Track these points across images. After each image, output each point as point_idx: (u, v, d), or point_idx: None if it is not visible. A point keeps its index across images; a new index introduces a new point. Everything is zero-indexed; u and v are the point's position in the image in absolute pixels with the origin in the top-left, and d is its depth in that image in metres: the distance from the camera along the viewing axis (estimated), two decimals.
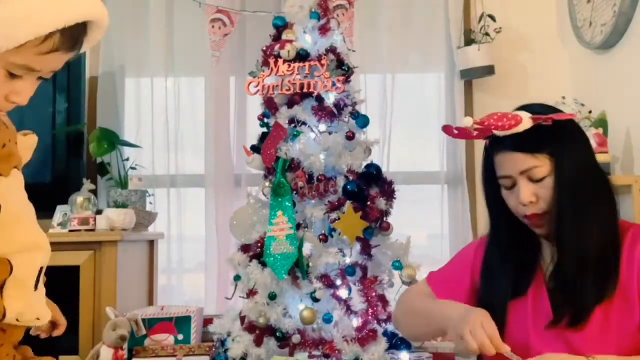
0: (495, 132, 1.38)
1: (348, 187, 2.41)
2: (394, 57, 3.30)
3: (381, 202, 2.45)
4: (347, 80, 2.53)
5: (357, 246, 2.44)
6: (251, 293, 2.42)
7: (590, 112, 2.83)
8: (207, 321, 2.76)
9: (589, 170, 1.40)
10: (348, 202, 2.38)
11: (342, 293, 2.39)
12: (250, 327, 2.40)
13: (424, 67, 3.39)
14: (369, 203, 2.42)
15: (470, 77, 3.21)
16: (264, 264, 2.41)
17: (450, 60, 3.28)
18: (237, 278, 2.50)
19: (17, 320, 1.01)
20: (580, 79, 3.12)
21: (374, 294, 2.39)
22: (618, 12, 2.60)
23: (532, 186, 1.37)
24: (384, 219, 2.47)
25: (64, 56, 1.02)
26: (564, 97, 3.04)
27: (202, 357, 2.71)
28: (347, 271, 2.38)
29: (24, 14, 0.94)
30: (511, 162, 1.39)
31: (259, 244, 2.46)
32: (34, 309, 1.05)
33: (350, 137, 2.47)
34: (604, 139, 2.61)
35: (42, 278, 1.08)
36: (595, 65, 2.96)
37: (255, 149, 2.58)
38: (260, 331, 2.38)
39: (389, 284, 2.48)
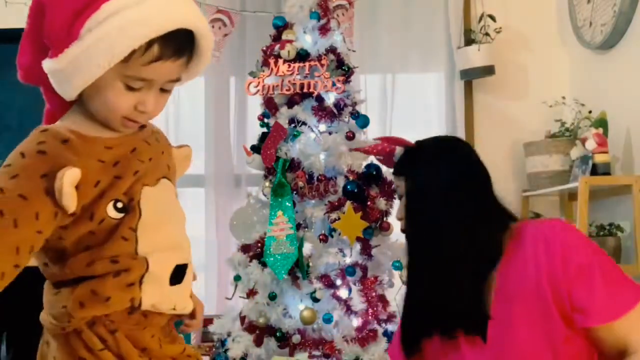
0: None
1: (348, 187, 2.41)
2: (394, 57, 3.30)
3: (381, 202, 2.45)
4: (347, 81, 2.53)
5: (357, 246, 2.44)
6: (251, 293, 2.42)
7: (590, 112, 2.83)
8: (207, 321, 2.76)
9: (435, 187, 1.42)
10: (348, 202, 2.38)
11: (342, 293, 2.39)
12: (251, 327, 2.40)
13: (424, 67, 3.39)
14: (369, 203, 2.43)
15: (470, 77, 3.21)
16: (264, 264, 2.41)
17: (450, 60, 3.28)
18: (237, 278, 2.50)
19: (152, 306, 1.14)
20: (580, 79, 3.12)
21: (374, 294, 2.39)
22: (618, 12, 2.60)
23: (401, 205, 1.51)
24: (384, 219, 2.47)
25: (171, 65, 1.09)
26: (564, 97, 3.04)
27: (202, 357, 2.71)
28: (347, 271, 2.39)
29: (118, 29, 1.03)
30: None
31: (259, 244, 2.47)
32: (170, 300, 1.17)
33: (350, 137, 2.47)
34: (604, 139, 2.61)
35: (190, 274, 1.21)
36: (595, 65, 2.96)
37: (255, 149, 2.58)
38: (261, 331, 2.38)
39: (389, 284, 2.48)
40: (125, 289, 1.11)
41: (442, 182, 1.42)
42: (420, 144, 1.52)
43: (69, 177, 1.04)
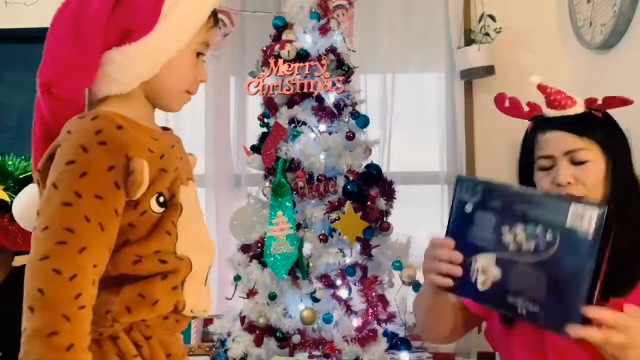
0: (547, 111, 1.41)
1: (348, 187, 2.41)
2: (394, 57, 3.29)
3: (381, 202, 2.45)
4: (347, 81, 2.53)
5: (357, 246, 2.44)
6: (251, 293, 2.42)
7: None
8: (207, 321, 2.76)
9: (633, 171, 1.42)
10: (348, 202, 2.38)
11: (342, 293, 2.39)
12: (251, 327, 2.40)
13: (424, 67, 3.38)
14: (369, 203, 2.43)
15: (471, 77, 3.21)
16: (264, 264, 2.42)
17: (450, 60, 3.28)
18: (237, 278, 2.50)
19: (191, 311, 1.15)
20: (580, 79, 3.11)
21: (374, 294, 2.39)
22: (618, 12, 2.60)
23: (572, 168, 1.38)
24: (384, 219, 2.48)
25: (215, 31, 1.28)
26: None
27: (202, 357, 2.71)
28: (347, 271, 2.39)
29: (194, 6, 1.20)
30: (556, 142, 1.40)
31: (259, 244, 2.47)
32: (204, 303, 1.20)
33: (350, 137, 2.47)
34: None
35: (209, 275, 1.24)
36: (595, 65, 2.95)
37: (255, 149, 2.58)
38: (261, 331, 2.38)
39: (389, 284, 2.48)
40: (171, 293, 1.11)
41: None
42: (605, 116, 1.44)
43: (146, 171, 1.07)
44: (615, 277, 1.27)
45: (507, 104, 1.50)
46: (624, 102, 1.45)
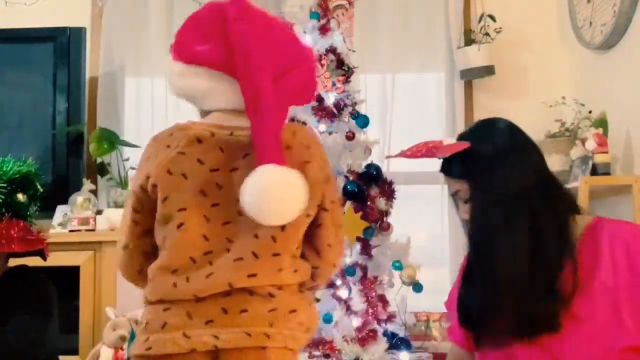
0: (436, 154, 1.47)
1: (348, 187, 2.41)
2: (394, 57, 3.29)
3: (381, 202, 2.45)
4: (347, 81, 2.53)
5: (358, 246, 2.44)
6: None
7: (590, 112, 2.83)
8: None
9: (503, 195, 1.37)
10: (348, 202, 2.38)
11: (342, 293, 2.39)
12: None
13: (424, 67, 3.38)
14: (369, 203, 2.43)
15: (470, 77, 3.21)
16: None
17: (450, 60, 3.28)
18: None
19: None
20: (580, 79, 3.11)
21: (374, 294, 2.39)
22: (618, 12, 2.60)
23: (465, 206, 1.44)
24: (384, 219, 2.47)
25: None
26: (564, 97, 3.04)
27: None
28: (348, 271, 2.38)
29: None
30: (447, 184, 1.51)
31: None
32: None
33: (350, 137, 2.47)
34: (604, 139, 2.60)
35: None
36: (595, 65, 2.95)
37: None
38: None
39: (389, 284, 2.48)
40: None
41: (511, 186, 1.37)
42: (477, 146, 1.42)
43: None
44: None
45: (407, 153, 1.55)
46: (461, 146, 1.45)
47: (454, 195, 1.49)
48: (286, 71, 1.22)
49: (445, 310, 1.68)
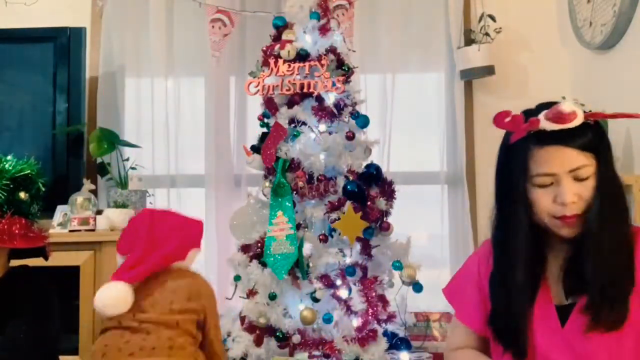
0: (544, 124, 1.34)
1: (348, 187, 2.41)
2: (394, 57, 3.29)
3: (381, 202, 2.45)
4: (347, 81, 2.53)
5: (357, 246, 2.44)
6: (251, 293, 2.42)
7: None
8: None
9: (616, 174, 1.39)
10: (348, 202, 2.38)
11: (342, 293, 2.39)
12: (251, 328, 2.40)
13: (424, 67, 3.38)
14: (369, 203, 2.43)
15: (471, 77, 3.21)
16: (264, 264, 2.42)
17: (450, 60, 3.28)
18: (237, 278, 2.50)
19: None
20: (580, 79, 3.12)
21: (374, 294, 2.39)
22: (618, 12, 2.60)
23: (576, 185, 1.31)
24: (384, 219, 2.48)
25: None
26: (564, 97, 3.04)
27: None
28: (347, 271, 2.39)
29: None
30: (560, 159, 1.31)
31: (259, 244, 2.47)
32: None
33: (350, 137, 2.47)
34: None
35: None
36: (595, 65, 2.95)
37: (255, 149, 2.58)
38: (261, 331, 2.38)
39: (389, 284, 2.48)
40: None
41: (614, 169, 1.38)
42: (595, 122, 1.36)
43: None
44: (602, 275, 1.29)
45: (507, 119, 1.45)
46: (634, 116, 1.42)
47: (547, 175, 1.33)
48: None
49: (444, 311, 1.68)
